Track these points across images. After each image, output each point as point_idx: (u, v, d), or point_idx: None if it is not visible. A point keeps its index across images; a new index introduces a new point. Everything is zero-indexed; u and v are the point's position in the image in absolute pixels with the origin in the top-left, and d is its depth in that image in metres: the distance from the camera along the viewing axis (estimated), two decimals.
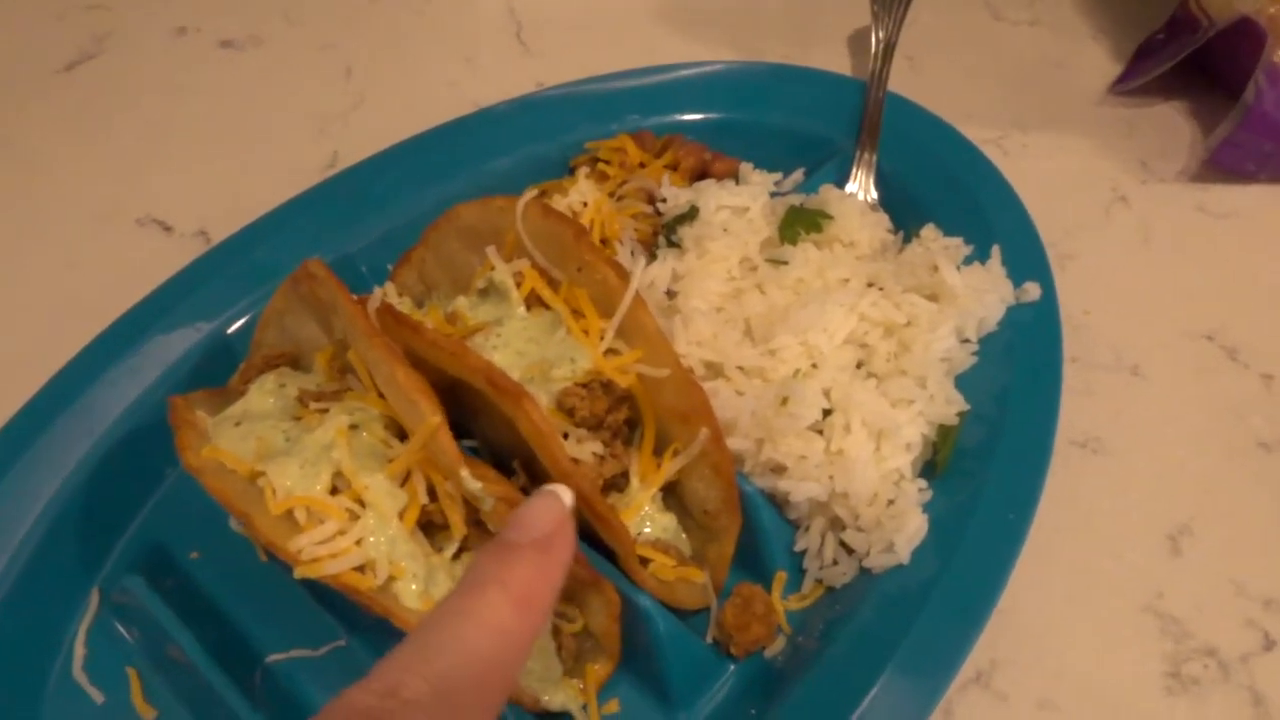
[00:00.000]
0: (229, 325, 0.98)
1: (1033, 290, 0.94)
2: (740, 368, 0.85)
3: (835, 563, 0.82)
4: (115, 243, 1.18)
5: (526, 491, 0.82)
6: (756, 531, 0.83)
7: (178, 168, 1.28)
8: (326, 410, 0.76)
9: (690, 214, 0.98)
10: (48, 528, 0.85)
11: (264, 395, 0.81)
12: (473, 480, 0.69)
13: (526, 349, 0.80)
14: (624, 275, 0.79)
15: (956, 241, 0.99)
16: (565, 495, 0.53)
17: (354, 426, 0.74)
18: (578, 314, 0.80)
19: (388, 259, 1.04)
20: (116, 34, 1.49)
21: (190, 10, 1.52)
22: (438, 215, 0.96)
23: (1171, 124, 1.26)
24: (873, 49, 1.21)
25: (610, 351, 0.79)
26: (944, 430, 0.85)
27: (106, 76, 1.42)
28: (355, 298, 0.87)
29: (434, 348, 0.75)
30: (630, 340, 0.79)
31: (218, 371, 0.94)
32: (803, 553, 0.84)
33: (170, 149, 1.31)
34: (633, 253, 0.99)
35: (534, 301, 0.83)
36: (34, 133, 1.34)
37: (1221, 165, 1.17)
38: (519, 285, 0.82)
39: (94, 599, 0.85)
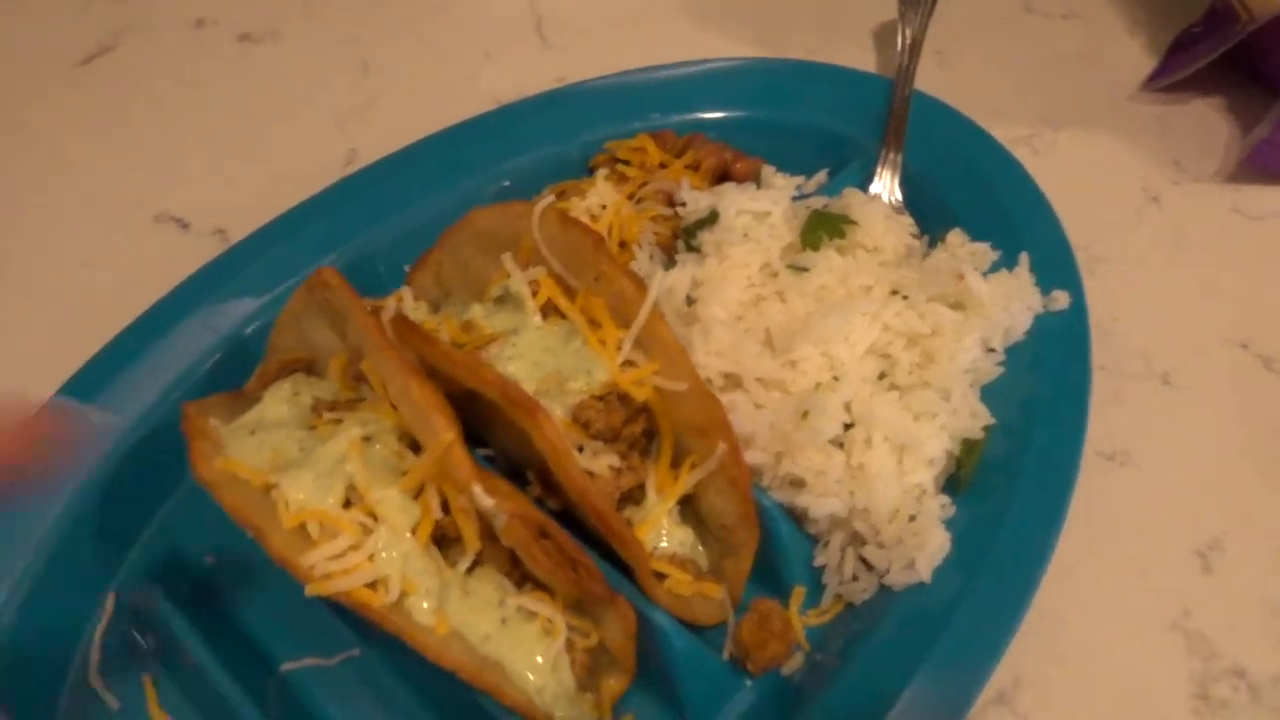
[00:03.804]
0: (246, 327, 0.98)
1: (1061, 299, 0.92)
2: (759, 380, 0.84)
3: (855, 578, 0.81)
4: (132, 240, 1.18)
5: (542, 503, 0.81)
6: (774, 546, 0.81)
7: (195, 164, 1.28)
8: (341, 420, 0.76)
9: (710, 218, 0.96)
10: (65, 531, 0.85)
11: (279, 403, 0.80)
12: (485, 497, 0.68)
13: (542, 360, 0.79)
14: (641, 286, 0.77)
15: (983, 247, 0.97)
16: None
17: (367, 438, 0.74)
18: (594, 324, 0.79)
19: (406, 260, 1.03)
20: (135, 26, 1.48)
21: (209, 2, 1.51)
22: (457, 215, 0.95)
23: (1207, 121, 1.22)
24: (899, 45, 1.19)
25: (627, 363, 0.78)
26: (968, 444, 0.83)
27: (124, 70, 1.41)
28: (370, 304, 0.86)
29: (448, 360, 0.74)
30: (647, 352, 0.78)
31: (234, 373, 0.93)
32: (822, 567, 0.82)
33: (187, 144, 1.30)
34: (651, 257, 0.98)
35: (550, 311, 0.82)
36: (51, 128, 1.33)
37: (1259, 165, 1.13)
38: (535, 294, 0.81)
39: (110, 604, 0.85)
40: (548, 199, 0.83)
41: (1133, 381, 0.99)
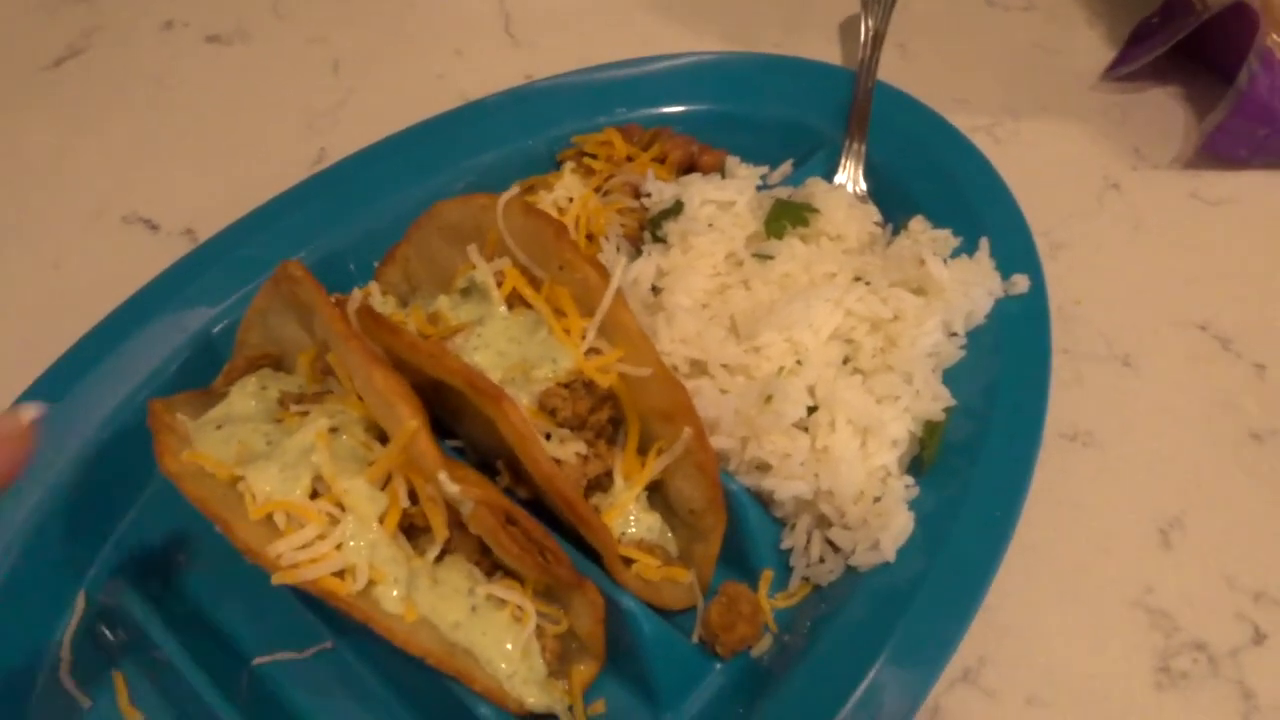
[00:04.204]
0: (214, 325, 0.98)
1: (1021, 283, 0.93)
2: (724, 365, 0.84)
3: (822, 560, 0.82)
4: (101, 241, 1.18)
5: (510, 493, 0.82)
6: (742, 530, 0.82)
7: (164, 165, 1.27)
8: (307, 413, 0.76)
9: (675, 209, 0.97)
10: (34, 531, 0.85)
11: (245, 397, 0.80)
12: (451, 483, 0.69)
13: (508, 349, 0.79)
14: (605, 274, 0.78)
15: (945, 233, 0.98)
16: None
17: (334, 429, 0.74)
18: (559, 313, 0.80)
19: (375, 256, 1.03)
20: (104, 28, 1.48)
21: (178, 4, 1.50)
22: (424, 211, 0.95)
23: (1165, 109, 1.25)
24: (862, 37, 1.20)
25: (592, 351, 0.79)
26: (930, 426, 0.84)
27: (93, 72, 1.41)
28: (336, 298, 0.86)
29: (413, 350, 0.75)
30: (612, 339, 0.79)
31: (203, 372, 0.93)
32: (789, 551, 0.83)
33: (157, 146, 1.30)
34: (618, 248, 0.99)
35: (516, 301, 0.82)
36: (21, 130, 1.33)
37: (1215, 151, 1.16)
38: (500, 285, 0.82)
39: (80, 603, 0.85)
40: (512, 191, 0.84)
41: (1094, 364, 1.00)
